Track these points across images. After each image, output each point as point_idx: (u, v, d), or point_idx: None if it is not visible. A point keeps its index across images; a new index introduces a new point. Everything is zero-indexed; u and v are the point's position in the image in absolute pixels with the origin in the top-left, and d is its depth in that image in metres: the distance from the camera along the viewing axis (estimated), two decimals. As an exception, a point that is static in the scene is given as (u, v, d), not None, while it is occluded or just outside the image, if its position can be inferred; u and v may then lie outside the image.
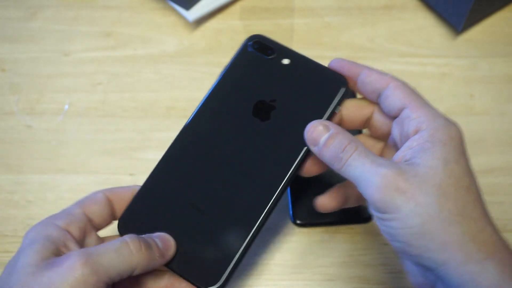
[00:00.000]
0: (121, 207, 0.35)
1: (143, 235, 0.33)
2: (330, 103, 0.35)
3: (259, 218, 0.34)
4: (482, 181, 0.47)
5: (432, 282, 0.30)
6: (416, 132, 0.31)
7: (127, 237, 0.31)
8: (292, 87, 0.36)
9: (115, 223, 0.35)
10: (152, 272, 0.34)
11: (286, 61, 0.37)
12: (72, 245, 0.31)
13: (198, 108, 0.37)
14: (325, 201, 0.36)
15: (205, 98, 0.37)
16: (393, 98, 0.33)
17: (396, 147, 0.34)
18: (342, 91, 0.35)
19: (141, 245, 0.31)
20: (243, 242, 0.33)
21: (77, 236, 0.32)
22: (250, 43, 0.38)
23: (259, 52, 0.37)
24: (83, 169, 0.48)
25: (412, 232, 0.28)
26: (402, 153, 0.31)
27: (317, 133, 0.32)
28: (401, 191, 0.28)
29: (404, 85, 0.33)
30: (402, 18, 0.56)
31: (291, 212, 0.45)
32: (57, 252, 0.30)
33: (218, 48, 0.55)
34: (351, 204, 0.37)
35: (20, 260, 0.30)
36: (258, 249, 0.44)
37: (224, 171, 0.35)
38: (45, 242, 0.30)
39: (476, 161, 0.48)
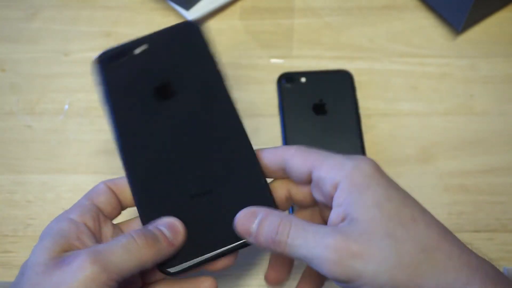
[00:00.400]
0: (124, 197, 0.35)
1: (149, 226, 0.32)
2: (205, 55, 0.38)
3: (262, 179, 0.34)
4: (482, 181, 0.47)
5: None
6: (335, 187, 0.30)
7: (133, 232, 0.31)
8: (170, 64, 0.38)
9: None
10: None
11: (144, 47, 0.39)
12: (86, 238, 0.31)
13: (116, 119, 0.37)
14: (272, 275, 0.35)
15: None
16: (296, 166, 0.32)
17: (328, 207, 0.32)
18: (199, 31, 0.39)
19: (147, 239, 0.31)
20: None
21: (93, 227, 0.32)
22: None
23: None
24: (83, 169, 0.48)
25: None
26: (335, 215, 0.30)
27: (246, 223, 0.31)
28: (357, 256, 0.27)
29: (298, 147, 0.33)
30: (402, 18, 0.56)
31: (291, 211, 0.45)
32: (68, 247, 0.30)
33: (218, 48, 0.54)
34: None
35: (30, 259, 0.30)
36: (258, 249, 0.44)
37: (193, 154, 0.35)
38: (56, 237, 0.30)
39: (476, 161, 0.48)
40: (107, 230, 0.34)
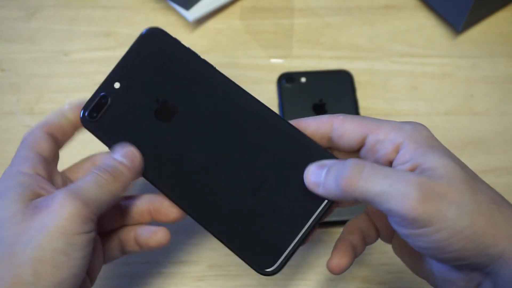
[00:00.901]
0: (60, 134, 0.35)
1: (105, 160, 0.33)
2: None
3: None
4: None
5: (477, 282, 0.29)
6: (397, 149, 0.29)
7: (96, 170, 0.32)
8: None
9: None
10: (131, 197, 0.35)
11: None
12: (47, 186, 0.31)
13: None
14: (336, 262, 0.33)
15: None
16: (347, 132, 0.31)
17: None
18: None
19: (111, 173, 0.32)
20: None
21: (47, 177, 0.32)
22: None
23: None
24: (83, 169, 0.48)
25: (464, 236, 0.26)
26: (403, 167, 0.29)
27: (315, 174, 0.30)
28: (441, 196, 0.26)
29: (346, 115, 0.32)
30: (402, 18, 0.56)
31: (291, 212, 0.45)
32: (35, 196, 0.30)
33: (218, 48, 0.54)
34: (360, 252, 0.34)
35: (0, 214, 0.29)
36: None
37: (235, 154, 0.34)
38: (19, 189, 0.30)
39: (477, 161, 0.48)
40: (57, 178, 0.34)
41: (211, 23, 0.56)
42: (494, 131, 0.49)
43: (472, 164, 0.48)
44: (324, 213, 0.32)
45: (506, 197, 0.47)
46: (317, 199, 0.31)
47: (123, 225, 0.36)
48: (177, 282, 0.43)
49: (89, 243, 0.30)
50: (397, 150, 0.29)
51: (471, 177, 0.28)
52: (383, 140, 0.30)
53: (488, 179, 0.47)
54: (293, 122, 0.33)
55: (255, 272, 0.44)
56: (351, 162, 0.28)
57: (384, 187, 0.27)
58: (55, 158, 0.35)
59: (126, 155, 0.33)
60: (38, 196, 0.30)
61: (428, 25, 0.55)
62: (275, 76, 0.52)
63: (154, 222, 0.36)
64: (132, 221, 0.36)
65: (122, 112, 0.35)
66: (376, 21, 0.56)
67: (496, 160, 0.48)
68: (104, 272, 0.43)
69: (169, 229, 0.36)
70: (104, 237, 0.36)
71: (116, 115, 0.35)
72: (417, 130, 0.30)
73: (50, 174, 0.33)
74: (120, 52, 0.37)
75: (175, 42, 0.36)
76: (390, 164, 0.30)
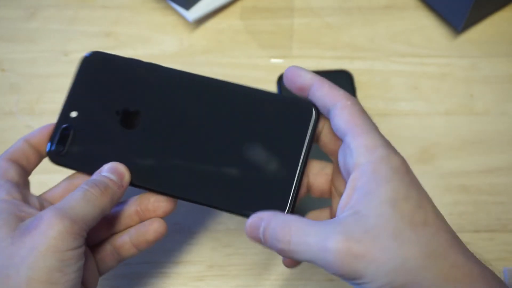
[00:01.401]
0: (25, 162, 0.35)
1: (94, 176, 0.33)
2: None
3: None
4: (483, 181, 0.47)
5: None
6: (356, 165, 0.29)
7: (85, 185, 0.32)
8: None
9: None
10: (116, 205, 0.35)
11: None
12: (28, 209, 0.32)
13: None
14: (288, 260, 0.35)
15: None
16: (339, 119, 0.31)
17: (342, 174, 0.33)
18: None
19: (100, 188, 0.32)
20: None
21: (23, 201, 0.33)
22: None
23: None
24: (83, 169, 0.48)
25: None
26: (347, 197, 0.29)
27: (254, 231, 0.30)
28: (359, 257, 0.27)
29: (353, 105, 0.31)
30: (402, 18, 0.56)
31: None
32: (20, 220, 0.30)
33: (218, 48, 0.54)
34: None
35: None
36: (258, 249, 0.44)
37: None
38: (2, 215, 0.30)
39: (476, 161, 0.48)
40: (33, 201, 0.34)
41: (211, 23, 0.56)
42: (494, 131, 0.49)
43: (472, 164, 0.48)
44: (313, 130, 0.34)
45: (506, 197, 0.47)
46: (300, 127, 0.34)
47: (113, 233, 0.36)
48: (177, 282, 0.43)
49: (81, 257, 0.30)
50: (357, 167, 0.29)
51: (412, 226, 0.27)
52: (352, 149, 0.30)
53: (488, 179, 0.48)
54: (290, 69, 0.34)
55: (256, 272, 0.44)
56: (280, 225, 0.29)
57: (309, 257, 0.28)
58: (25, 184, 0.35)
59: (114, 171, 0.34)
60: (22, 219, 0.31)
61: (428, 25, 0.55)
62: (275, 76, 0.52)
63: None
64: (122, 227, 0.36)
65: (88, 136, 0.36)
66: (376, 21, 0.56)
67: (496, 160, 0.48)
68: (104, 272, 0.43)
69: (169, 230, 0.36)
70: (95, 249, 0.36)
71: (83, 141, 0.36)
72: (386, 159, 0.29)
73: (25, 198, 0.33)
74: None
75: (115, 57, 0.37)
76: (348, 175, 0.30)
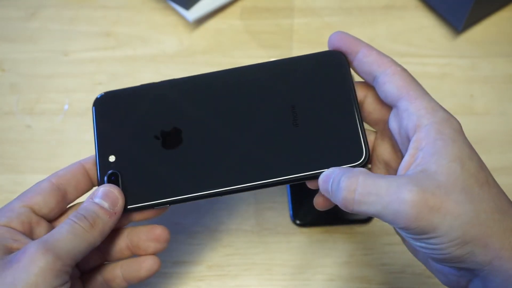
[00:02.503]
0: (72, 188, 0.34)
1: (85, 203, 0.32)
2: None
3: None
4: (483, 181, 0.47)
5: (467, 279, 0.29)
6: (418, 127, 0.29)
7: (73, 217, 0.31)
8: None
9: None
10: (109, 236, 0.34)
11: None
12: (22, 238, 0.31)
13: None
14: (321, 199, 0.34)
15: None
16: (390, 85, 0.31)
17: (393, 139, 0.33)
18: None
19: (89, 220, 0.31)
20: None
21: (22, 230, 0.31)
22: None
23: None
24: (83, 169, 0.48)
25: (455, 243, 0.27)
26: (411, 157, 0.29)
27: (324, 184, 0.31)
28: (434, 209, 0.27)
29: (404, 71, 0.32)
30: (402, 18, 0.56)
31: (291, 212, 0.45)
32: (7, 251, 0.30)
33: (218, 48, 0.54)
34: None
35: None
36: (258, 249, 0.44)
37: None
38: None
39: (477, 161, 0.48)
40: (40, 231, 0.33)
41: (211, 23, 0.56)
42: (494, 131, 0.49)
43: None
44: (351, 74, 0.34)
45: (506, 197, 0.47)
46: (344, 80, 0.34)
47: (104, 262, 0.36)
48: (177, 282, 0.43)
49: None
50: (418, 129, 0.29)
51: (478, 185, 0.28)
52: (412, 113, 0.30)
53: (488, 179, 0.48)
54: (336, 34, 0.34)
55: (256, 272, 0.44)
56: (343, 184, 0.29)
57: (377, 209, 0.28)
58: (51, 211, 0.33)
59: (106, 197, 0.32)
60: (11, 250, 0.30)
61: (428, 25, 0.55)
62: (275, 76, 0.52)
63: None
64: (113, 258, 0.35)
65: (137, 171, 0.34)
66: (376, 21, 0.56)
67: (496, 160, 0.48)
68: (104, 272, 0.43)
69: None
70: (85, 278, 0.35)
71: (135, 178, 0.34)
72: (448, 121, 0.29)
73: (29, 227, 0.32)
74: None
75: (124, 90, 0.36)
76: (408, 140, 0.30)
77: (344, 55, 0.34)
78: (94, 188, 0.34)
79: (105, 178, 0.34)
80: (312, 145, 0.33)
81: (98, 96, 0.36)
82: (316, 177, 0.32)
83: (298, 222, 0.45)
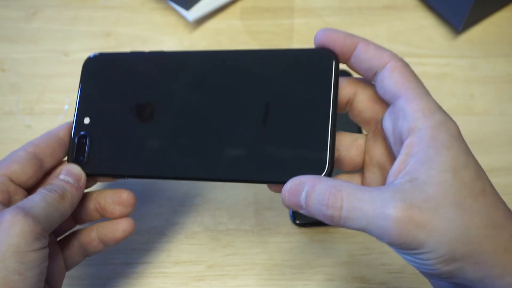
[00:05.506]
0: (48, 156, 0.34)
1: (53, 182, 0.33)
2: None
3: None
4: (482, 181, 0.47)
5: None
6: (412, 130, 0.27)
7: (43, 190, 0.32)
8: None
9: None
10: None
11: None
12: (0, 207, 0.31)
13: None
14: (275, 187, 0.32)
15: None
16: (389, 81, 0.29)
17: (386, 140, 0.31)
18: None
19: (59, 192, 0.32)
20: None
21: (1, 199, 0.32)
22: None
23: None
24: (83, 169, 0.48)
25: (443, 260, 0.26)
26: (400, 164, 0.27)
27: (293, 197, 0.28)
28: (421, 226, 0.25)
29: (404, 66, 0.29)
30: (402, 18, 0.56)
31: (291, 212, 0.45)
32: None
33: (218, 48, 0.54)
34: None
35: None
36: (258, 249, 0.44)
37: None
38: None
39: (476, 161, 0.48)
40: (18, 200, 0.33)
41: (211, 23, 0.56)
42: (493, 131, 0.49)
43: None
44: (336, 79, 0.31)
45: (506, 197, 0.47)
46: (323, 73, 0.31)
47: (75, 225, 0.37)
48: (177, 282, 0.44)
49: (44, 259, 0.29)
50: (412, 132, 0.27)
51: (472, 195, 0.26)
52: (407, 113, 0.28)
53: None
54: (323, 32, 0.31)
55: (256, 272, 0.44)
56: (327, 191, 0.27)
57: (362, 224, 0.26)
58: (28, 180, 0.34)
59: (70, 174, 0.34)
60: None
61: (428, 25, 0.55)
62: (275, 76, 0.52)
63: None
64: (83, 221, 0.36)
65: (106, 138, 0.35)
66: (376, 21, 0.56)
67: (496, 160, 0.48)
68: (105, 272, 0.43)
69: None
70: (62, 244, 0.36)
71: (102, 145, 0.35)
72: (445, 125, 0.27)
73: (7, 196, 0.32)
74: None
75: (116, 54, 0.36)
76: (400, 143, 0.28)
77: (333, 54, 0.31)
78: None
79: (76, 139, 0.35)
80: (276, 148, 0.31)
81: (91, 56, 0.36)
82: (274, 182, 0.31)
83: (298, 222, 0.45)
